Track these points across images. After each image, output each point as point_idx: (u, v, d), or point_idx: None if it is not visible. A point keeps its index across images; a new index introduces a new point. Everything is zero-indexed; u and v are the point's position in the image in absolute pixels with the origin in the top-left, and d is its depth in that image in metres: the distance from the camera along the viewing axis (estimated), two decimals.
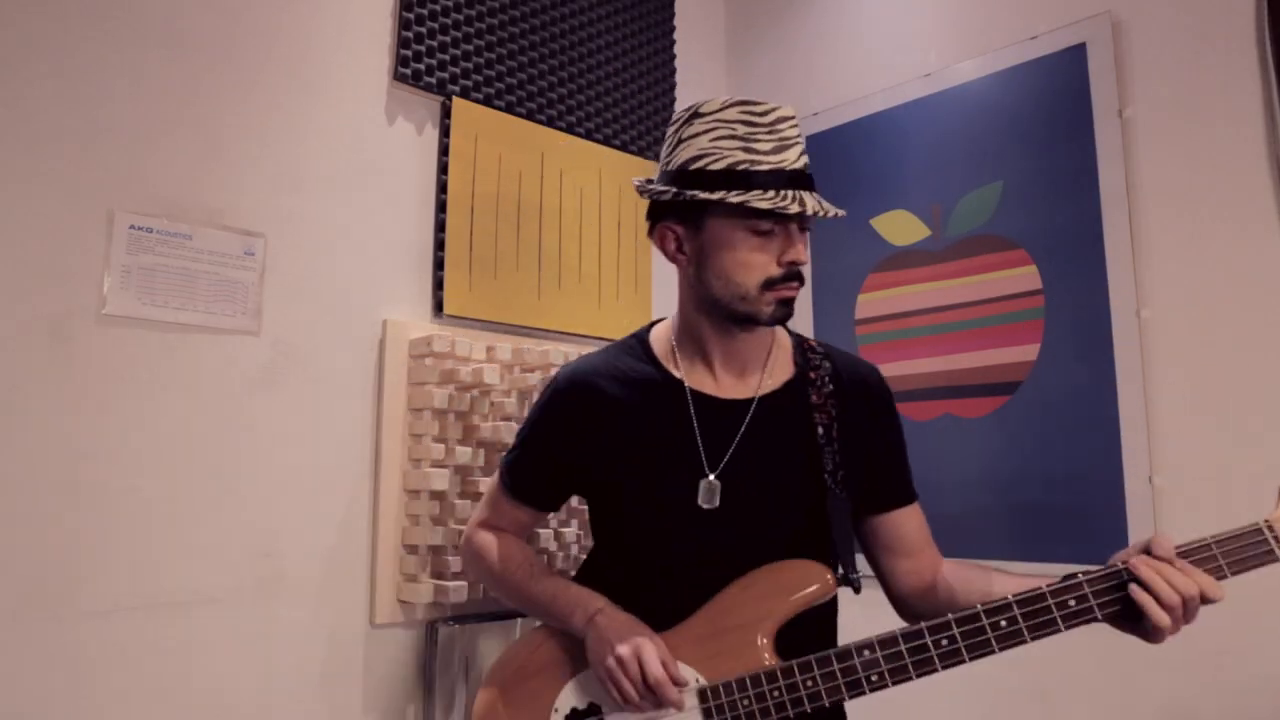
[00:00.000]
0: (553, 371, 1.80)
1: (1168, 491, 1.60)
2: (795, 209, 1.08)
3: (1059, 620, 1.01)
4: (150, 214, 1.44)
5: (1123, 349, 1.67)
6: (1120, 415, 1.66)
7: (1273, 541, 0.99)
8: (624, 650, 1.07)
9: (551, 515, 1.69)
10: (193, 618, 1.43)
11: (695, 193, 1.11)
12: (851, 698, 1.06)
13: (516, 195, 1.89)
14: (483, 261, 1.82)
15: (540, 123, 1.95)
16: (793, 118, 1.15)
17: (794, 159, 1.12)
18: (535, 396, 1.34)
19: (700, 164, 1.12)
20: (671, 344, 1.25)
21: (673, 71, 2.28)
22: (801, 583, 1.11)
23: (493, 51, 1.88)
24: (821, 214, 1.11)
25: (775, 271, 1.13)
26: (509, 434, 1.71)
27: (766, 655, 1.08)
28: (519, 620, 1.74)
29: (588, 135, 2.04)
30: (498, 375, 1.69)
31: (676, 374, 1.22)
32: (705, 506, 1.15)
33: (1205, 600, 0.99)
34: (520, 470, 1.30)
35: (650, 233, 1.24)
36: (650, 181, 1.22)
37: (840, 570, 1.16)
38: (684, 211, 1.16)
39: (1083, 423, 1.70)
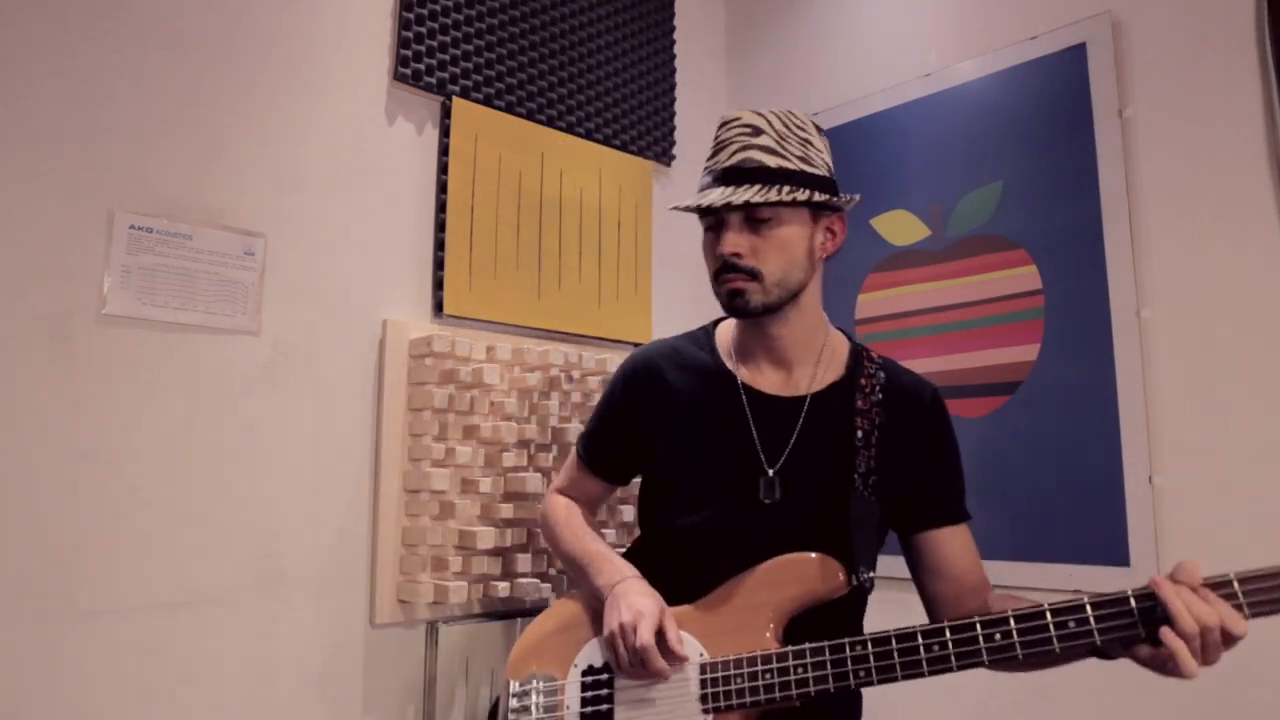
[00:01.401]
0: (552, 371, 1.81)
1: (1168, 491, 1.60)
2: (690, 203, 1.20)
3: (1054, 640, 0.96)
4: (150, 214, 1.44)
5: (1123, 349, 1.67)
6: (1120, 415, 1.66)
7: None
8: (626, 617, 1.12)
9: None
10: (193, 618, 1.43)
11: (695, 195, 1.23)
12: (837, 689, 1.07)
13: (516, 195, 1.89)
14: (483, 261, 1.82)
15: (540, 123, 1.95)
16: (737, 119, 1.21)
17: (726, 159, 1.19)
18: (610, 374, 1.47)
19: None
20: (733, 336, 1.31)
21: (673, 71, 2.27)
22: (815, 577, 1.14)
23: (493, 51, 1.88)
24: (717, 202, 1.16)
25: (715, 265, 1.22)
26: (509, 434, 1.71)
27: (769, 640, 1.12)
28: (519, 620, 1.74)
29: (588, 135, 2.04)
30: (498, 375, 1.69)
31: (730, 366, 1.27)
32: (765, 501, 1.20)
33: (1227, 635, 0.91)
34: (594, 443, 1.39)
35: None
36: None
37: (853, 573, 1.16)
38: None
39: (1083, 423, 1.70)
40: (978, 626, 1.00)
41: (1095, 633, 0.94)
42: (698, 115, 2.34)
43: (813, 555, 1.15)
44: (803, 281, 1.22)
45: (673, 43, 2.29)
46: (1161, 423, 1.63)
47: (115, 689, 1.35)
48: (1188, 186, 1.63)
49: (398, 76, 1.74)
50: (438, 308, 1.76)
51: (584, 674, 1.18)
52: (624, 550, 1.34)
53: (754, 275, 1.18)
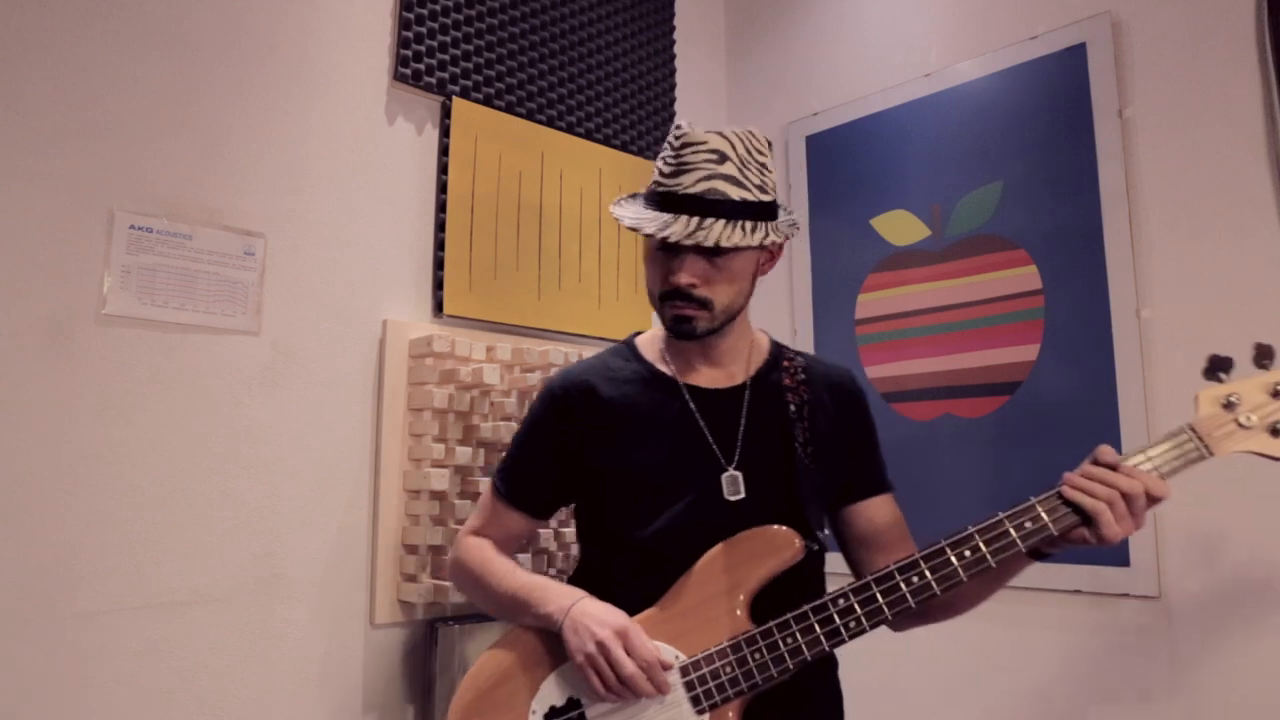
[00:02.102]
0: (552, 371, 1.81)
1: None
2: (649, 229, 1.14)
3: (1018, 541, 1.05)
4: (150, 214, 1.44)
5: (1123, 349, 1.67)
6: (1120, 415, 1.66)
7: (1200, 443, 1.08)
8: (604, 634, 1.07)
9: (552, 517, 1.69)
10: (193, 618, 1.43)
11: (616, 211, 1.23)
12: (832, 647, 1.08)
13: (516, 195, 1.89)
14: (483, 261, 1.82)
15: (540, 123, 1.95)
16: (702, 144, 1.16)
17: (690, 183, 1.15)
18: (529, 404, 1.35)
19: (647, 188, 1.23)
20: (660, 346, 1.30)
21: (673, 72, 2.28)
22: (769, 548, 1.13)
23: (493, 51, 1.88)
24: (682, 238, 1.13)
25: (665, 287, 1.20)
26: (509, 434, 1.71)
27: (742, 621, 1.10)
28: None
29: (588, 135, 2.04)
30: (498, 375, 1.69)
31: (669, 371, 1.26)
32: (732, 499, 1.18)
33: (1152, 498, 1.05)
34: (517, 475, 1.30)
35: None
36: None
37: (810, 535, 1.17)
38: None
39: (1083, 423, 1.70)
40: (947, 550, 1.06)
41: (1049, 525, 1.06)
42: (698, 116, 2.34)
43: (760, 529, 1.14)
44: (744, 304, 1.25)
45: (673, 43, 2.29)
46: (1161, 422, 1.63)
47: (115, 689, 1.35)
48: (1188, 186, 1.63)
49: (398, 76, 1.74)
50: (438, 308, 1.76)
51: (546, 717, 1.11)
52: (568, 578, 1.30)
53: (704, 305, 1.18)
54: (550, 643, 1.15)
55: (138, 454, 1.40)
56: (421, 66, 1.76)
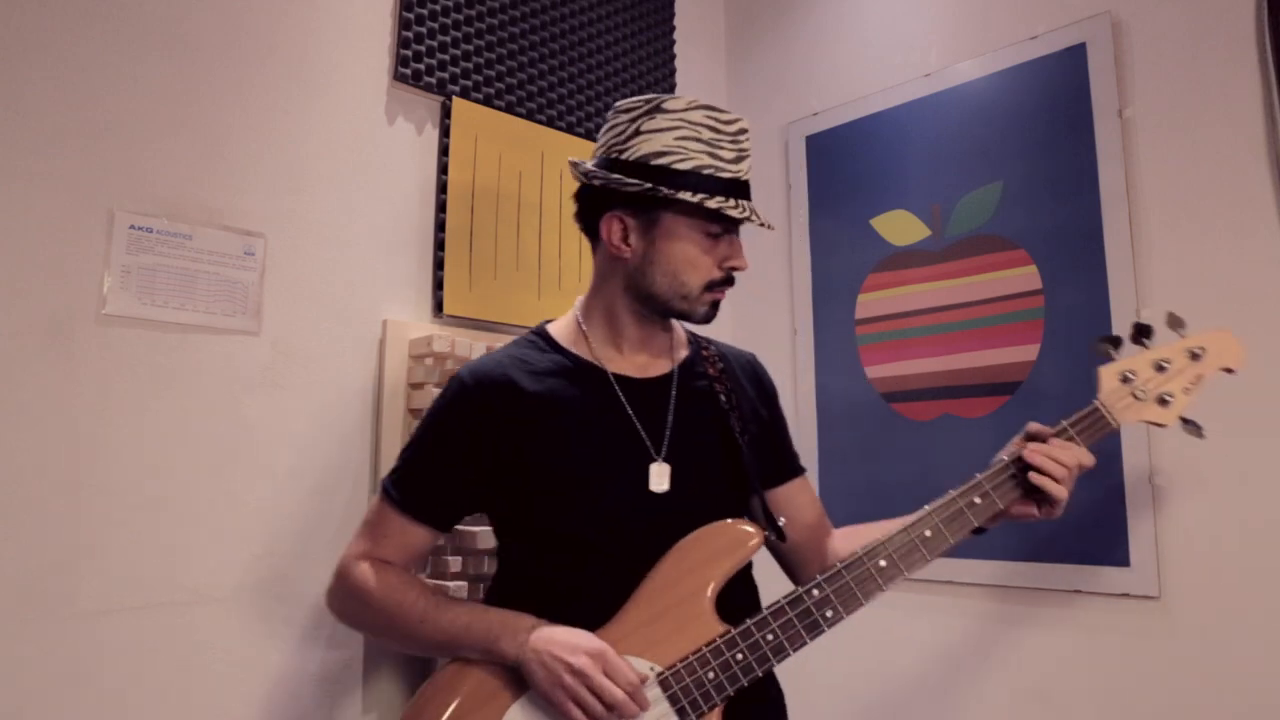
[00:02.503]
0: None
1: (1168, 491, 1.60)
2: (756, 219, 1.16)
3: (972, 519, 1.14)
4: (150, 214, 1.44)
5: (1122, 349, 1.67)
6: None
7: (1108, 415, 1.19)
8: (580, 661, 1.00)
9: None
10: (193, 618, 1.43)
11: (669, 190, 1.12)
12: (812, 639, 1.08)
13: (516, 195, 1.89)
14: (483, 261, 1.82)
15: (540, 123, 1.95)
16: (749, 130, 1.20)
17: (747, 170, 1.18)
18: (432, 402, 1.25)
19: (665, 160, 1.14)
20: (582, 332, 1.23)
21: (673, 72, 2.28)
22: (730, 544, 1.12)
23: (493, 51, 1.88)
24: (768, 226, 1.18)
25: (717, 274, 1.18)
26: None
27: (716, 623, 1.08)
28: None
29: (588, 135, 2.04)
30: None
31: (593, 360, 1.21)
32: (658, 490, 1.14)
33: (1082, 467, 1.14)
34: (419, 482, 1.18)
35: (586, 217, 1.23)
36: (594, 165, 1.20)
37: (769, 521, 1.20)
38: (640, 204, 1.16)
39: None
40: (910, 532, 1.12)
41: (995, 500, 1.14)
42: None
43: (721, 524, 1.13)
44: None
45: (673, 43, 2.29)
46: None
47: (115, 689, 1.34)
48: (1188, 186, 1.63)
49: (398, 76, 1.74)
50: (438, 308, 1.76)
51: None
52: (488, 586, 1.23)
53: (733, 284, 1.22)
54: (502, 677, 1.07)
55: (138, 454, 1.40)
56: (421, 66, 1.76)
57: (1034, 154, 1.84)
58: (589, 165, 1.21)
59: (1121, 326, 1.68)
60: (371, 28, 1.74)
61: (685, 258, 1.16)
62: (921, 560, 1.12)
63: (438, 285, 1.77)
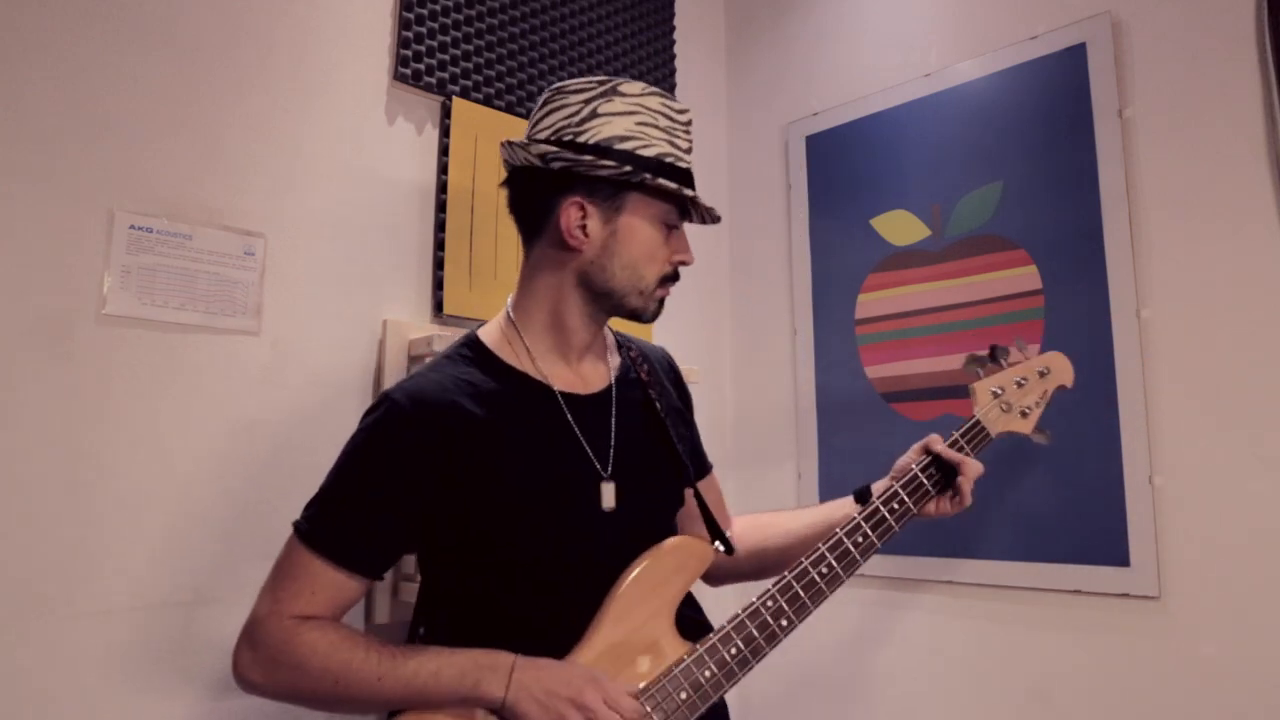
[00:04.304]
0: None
1: (1168, 491, 1.60)
2: (717, 213, 1.18)
3: (894, 524, 1.21)
4: (150, 214, 1.44)
5: (1123, 349, 1.67)
6: (1120, 415, 1.66)
7: (987, 427, 1.31)
8: (588, 698, 0.95)
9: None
10: (193, 618, 1.43)
11: (645, 175, 1.07)
12: (770, 648, 1.10)
13: None
14: (482, 261, 1.82)
15: None
16: (687, 112, 1.18)
17: (691, 159, 1.16)
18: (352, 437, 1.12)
19: (630, 145, 1.07)
20: (522, 342, 1.13)
21: (673, 72, 2.27)
22: (685, 560, 1.12)
23: (493, 51, 1.88)
24: (716, 219, 1.20)
25: (668, 269, 1.14)
26: None
27: (680, 642, 1.07)
28: None
29: None
30: None
31: (538, 377, 1.12)
32: (607, 509, 1.10)
33: (974, 470, 1.25)
34: (349, 524, 1.03)
35: (534, 203, 1.12)
36: (551, 146, 1.09)
37: (716, 534, 1.22)
38: (605, 190, 1.08)
39: (1083, 423, 1.70)
40: (844, 540, 1.17)
41: (911, 506, 1.22)
42: (698, 115, 2.33)
43: (674, 541, 1.12)
44: None
45: (673, 43, 2.29)
46: (1161, 423, 1.63)
47: (115, 689, 1.34)
48: (1188, 186, 1.63)
49: (398, 76, 1.74)
50: (438, 308, 1.76)
51: None
52: (412, 637, 1.13)
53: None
54: (475, 716, 0.98)
55: (138, 454, 1.40)
56: (421, 66, 1.76)
57: (1034, 154, 1.83)
58: (542, 146, 1.08)
59: (1122, 326, 1.68)
60: (371, 27, 1.74)
61: (645, 249, 1.10)
62: (857, 566, 1.17)
63: (438, 285, 1.77)
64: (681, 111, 1.15)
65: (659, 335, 2.13)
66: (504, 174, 1.20)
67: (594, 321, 1.16)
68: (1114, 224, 1.71)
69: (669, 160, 1.10)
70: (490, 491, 1.04)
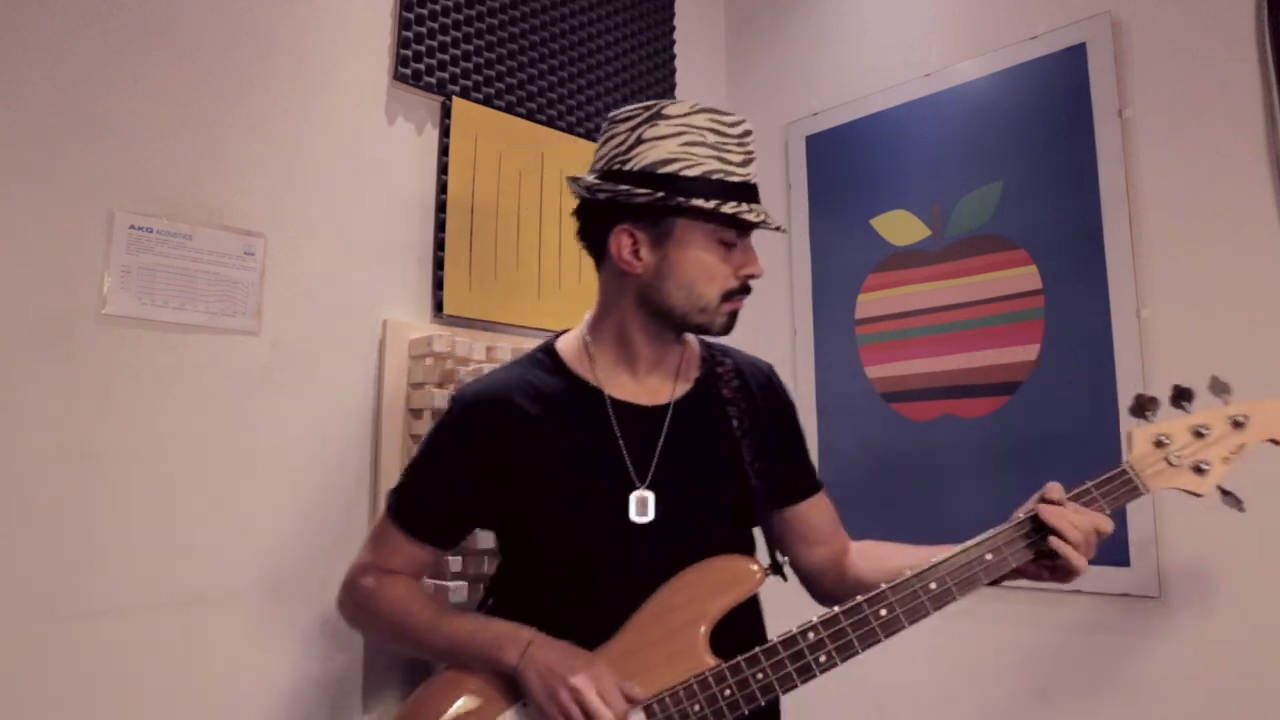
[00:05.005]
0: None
1: (1167, 492, 1.60)
2: (774, 223, 1.12)
3: (983, 576, 1.08)
4: (150, 214, 1.44)
5: (1123, 349, 1.67)
6: (1120, 415, 1.66)
7: (1136, 480, 1.13)
8: (579, 680, 1.00)
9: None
10: (193, 618, 1.42)
11: (682, 199, 1.08)
12: (803, 682, 1.06)
13: (516, 195, 1.89)
14: (483, 261, 1.82)
15: (540, 123, 1.95)
16: (751, 131, 1.15)
17: (755, 174, 1.13)
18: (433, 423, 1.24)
19: (673, 168, 1.09)
20: (588, 353, 1.19)
21: (673, 72, 2.28)
22: (731, 579, 1.10)
23: (493, 51, 1.88)
24: (781, 229, 1.16)
25: (733, 284, 1.13)
26: None
27: (707, 657, 1.06)
28: None
29: (588, 135, 2.04)
30: None
31: (594, 383, 1.17)
32: (638, 520, 1.12)
33: (1099, 534, 1.08)
34: (421, 504, 1.19)
35: (592, 233, 1.18)
36: (597, 179, 1.15)
37: (771, 559, 1.18)
38: (651, 215, 1.11)
39: (1083, 423, 1.70)
40: (915, 583, 1.07)
41: (1009, 558, 1.09)
42: None
43: (722, 559, 1.11)
44: None
45: (673, 43, 2.29)
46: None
47: (115, 689, 1.34)
48: (1188, 186, 1.63)
49: (398, 76, 1.74)
50: (438, 308, 1.76)
51: None
52: (486, 604, 1.23)
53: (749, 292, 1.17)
54: (497, 683, 1.08)
55: (138, 454, 1.40)
56: (421, 66, 1.76)
57: (1034, 154, 1.83)
58: (590, 179, 1.16)
59: (1122, 326, 1.68)
60: (371, 27, 1.74)
61: (700, 268, 1.11)
62: (924, 615, 1.07)
63: (438, 285, 1.77)
64: (734, 124, 1.13)
65: None
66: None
67: (659, 338, 1.18)
68: (1114, 224, 1.71)
69: (716, 177, 1.09)
70: (529, 486, 1.13)
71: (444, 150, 1.80)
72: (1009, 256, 1.85)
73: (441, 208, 1.78)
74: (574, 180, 1.18)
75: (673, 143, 1.10)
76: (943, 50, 2.02)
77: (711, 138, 1.11)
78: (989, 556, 1.08)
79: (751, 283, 1.16)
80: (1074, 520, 1.07)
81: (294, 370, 1.57)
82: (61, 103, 1.37)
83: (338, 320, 1.64)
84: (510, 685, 1.07)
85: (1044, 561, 1.10)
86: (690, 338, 1.25)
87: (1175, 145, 1.66)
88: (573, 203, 1.23)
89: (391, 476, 1.64)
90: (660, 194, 1.08)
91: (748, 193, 1.11)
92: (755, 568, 1.11)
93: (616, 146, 1.14)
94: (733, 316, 1.15)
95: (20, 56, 1.34)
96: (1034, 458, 1.76)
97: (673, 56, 2.28)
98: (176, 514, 1.43)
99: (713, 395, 1.21)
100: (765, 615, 1.23)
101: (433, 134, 1.81)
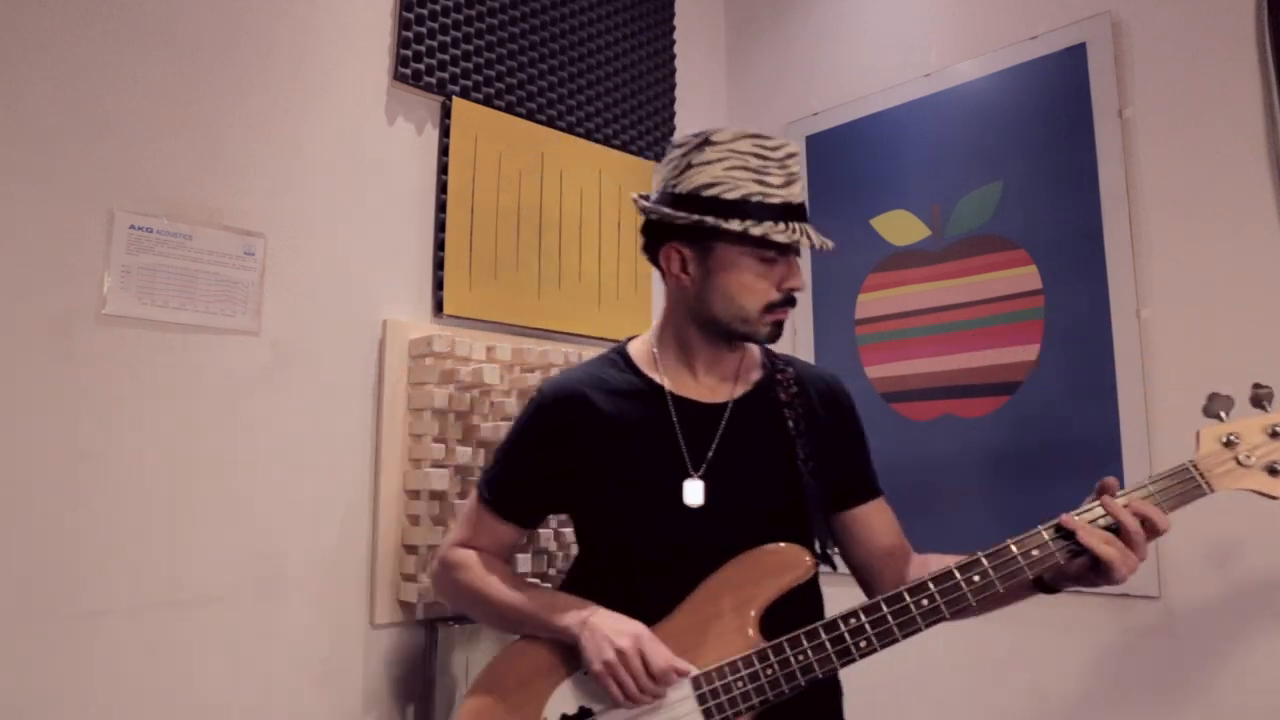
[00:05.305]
0: (552, 372, 1.81)
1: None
2: (806, 242, 1.17)
3: (1025, 568, 1.08)
4: (150, 214, 1.44)
5: (1123, 349, 1.67)
6: (1120, 415, 1.66)
7: (1201, 480, 1.11)
8: (624, 643, 1.09)
9: (550, 517, 1.69)
10: (193, 618, 1.43)
11: (716, 220, 1.16)
12: (843, 665, 1.10)
13: (516, 195, 1.89)
14: (483, 261, 1.82)
15: (540, 123, 1.95)
16: (797, 153, 1.22)
17: (799, 193, 1.20)
18: (519, 411, 1.35)
19: (714, 191, 1.17)
20: (654, 354, 1.29)
21: (673, 72, 2.28)
22: (781, 565, 1.16)
23: (493, 51, 1.88)
24: (821, 247, 1.20)
25: (775, 296, 1.20)
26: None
27: (753, 638, 1.12)
28: None
29: (588, 135, 2.04)
30: (498, 375, 1.69)
31: (659, 380, 1.27)
32: (691, 505, 1.20)
33: (1152, 530, 1.08)
34: (505, 486, 1.30)
35: (650, 250, 1.28)
36: (649, 198, 1.26)
37: (818, 549, 1.23)
38: (694, 235, 1.20)
39: (1083, 423, 1.70)
40: (956, 574, 1.09)
41: (1056, 553, 1.07)
42: (698, 115, 2.34)
43: (773, 546, 1.17)
44: None
45: (673, 43, 2.29)
46: (1161, 422, 1.63)
47: (115, 689, 1.35)
48: (1188, 186, 1.63)
49: (398, 76, 1.74)
50: (438, 308, 1.76)
51: None
52: (562, 583, 1.32)
53: (795, 304, 1.24)
54: (562, 652, 1.17)
55: (138, 454, 1.40)
56: (421, 66, 1.76)
57: (1034, 154, 1.83)
58: (649, 201, 1.26)
59: (1122, 326, 1.68)
60: (371, 27, 1.74)
61: (740, 283, 1.19)
62: (966, 606, 1.09)
63: (438, 285, 1.77)
64: (776, 148, 1.20)
65: None
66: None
67: (713, 343, 1.26)
68: (1114, 224, 1.71)
69: (755, 199, 1.17)
70: (597, 471, 1.24)
71: (444, 150, 1.80)
72: (1009, 256, 1.85)
73: (441, 207, 1.78)
74: (635, 199, 1.29)
75: (717, 167, 1.18)
76: (943, 50, 2.02)
77: (754, 162, 1.18)
78: (1035, 552, 1.09)
79: (796, 295, 1.23)
80: (1133, 510, 1.08)
81: (294, 370, 1.57)
82: (61, 103, 1.37)
83: (338, 320, 1.64)
84: (574, 654, 1.15)
85: (1085, 563, 1.09)
86: (751, 347, 1.33)
87: (1175, 145, 1.66)
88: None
89: (392, 476, 1.64)
90: (695, 217, 1.17)
91: (788, 212, 1.17)
92: (807, 557, 1.17)
93: (671, 170, 1.24)
94: (777, 326, 1.22)
95: (20, 56, 1.34)
96: (1034, 458, 1.76)
97: (673, 56, 2.28)
98: (176, 514, 1.43)
99: (771, 398, 1.28)
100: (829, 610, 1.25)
101: (433, 134, 1.81)
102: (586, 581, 1.26)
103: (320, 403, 1.60)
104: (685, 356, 1.28)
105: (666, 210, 1.21)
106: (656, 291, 2.13)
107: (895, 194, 2.05)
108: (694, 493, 1.20)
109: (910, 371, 1.97)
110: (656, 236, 1.25)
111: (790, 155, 1.20)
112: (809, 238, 1.17)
